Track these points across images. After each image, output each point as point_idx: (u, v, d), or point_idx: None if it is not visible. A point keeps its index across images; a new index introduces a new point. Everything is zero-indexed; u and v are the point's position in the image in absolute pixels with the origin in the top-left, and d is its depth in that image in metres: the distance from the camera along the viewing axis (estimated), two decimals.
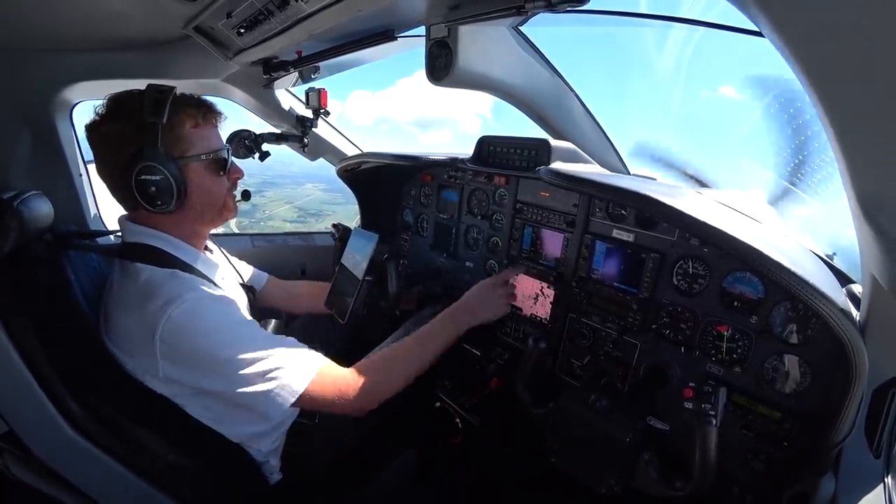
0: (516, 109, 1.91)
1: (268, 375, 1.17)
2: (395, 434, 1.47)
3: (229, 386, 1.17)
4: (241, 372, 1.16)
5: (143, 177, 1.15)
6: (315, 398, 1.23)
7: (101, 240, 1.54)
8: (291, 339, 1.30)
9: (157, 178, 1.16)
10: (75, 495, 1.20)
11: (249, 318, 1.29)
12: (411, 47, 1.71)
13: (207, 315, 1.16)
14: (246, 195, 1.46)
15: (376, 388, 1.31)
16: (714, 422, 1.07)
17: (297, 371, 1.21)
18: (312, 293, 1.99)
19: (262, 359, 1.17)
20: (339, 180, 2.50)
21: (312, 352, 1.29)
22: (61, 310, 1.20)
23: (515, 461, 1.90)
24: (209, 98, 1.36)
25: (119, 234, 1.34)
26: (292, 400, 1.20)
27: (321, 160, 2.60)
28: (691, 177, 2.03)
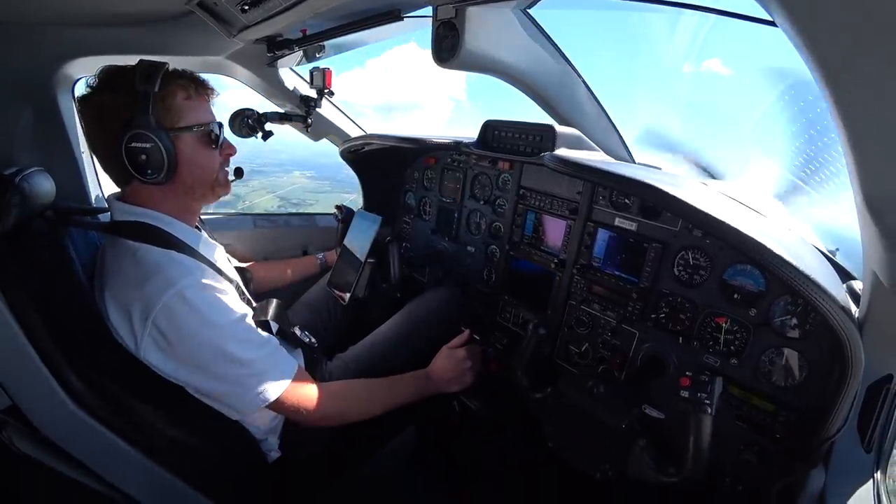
0: (494, 95, 1.88)
1: (243, 380, 1.21)
2: (394, 415, 1.49)
3: (203, 382, 1.22)
4: (219, 371, 1.20)
5: (133, 144, 1.14)
6: (282, 406, 1.28)
7: (103, 217, 1.54)
8: (274, 340, 1.33)
9: (148, 145, 1.15)
10: (79, 469, 1.22)
11: (242, 305, 1.30)
12: (417, 28, 1.68)
13: (200, 305, 1.16)
14: (239, 172, 1.45)
15: (335, 415, 1.39)
16: (709, 410, 1.08)
17: (272, 380, 1.25)
18: (265, 276, 2.01)
19: (242, 361, 1.21)
20: (328, 168, 2.51)
21: (290, 359, 1.33)
22: (63, 286, 1.20)
23: (513, 444, 1.93)
24: (208, 76, 1.35)
25: None
26: (262, 405, 1.25)
27: (324, 141, 2.58)
28: (701, 167, 2.00)
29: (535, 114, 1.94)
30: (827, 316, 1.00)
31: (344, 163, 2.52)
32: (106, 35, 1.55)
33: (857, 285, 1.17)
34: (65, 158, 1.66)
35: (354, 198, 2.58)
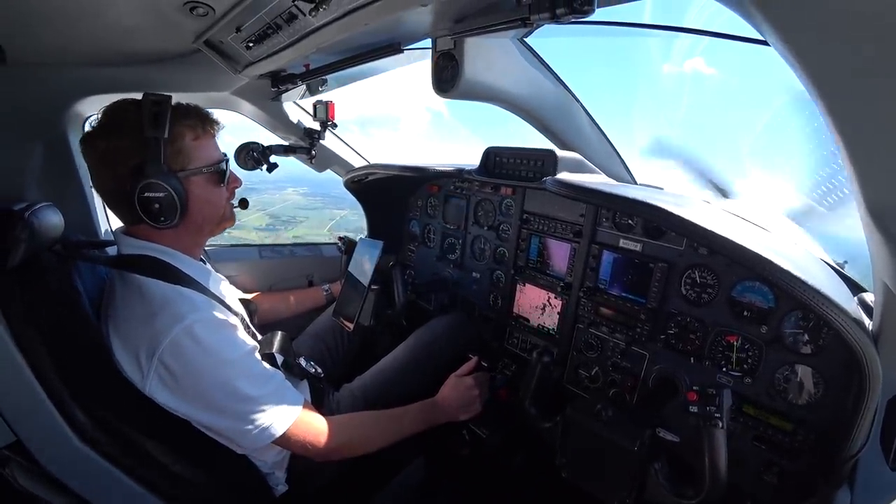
0: (477, 106, 1.89)
1: (250, 416, 1.20)
2: (402, 445, 1.46)
3: (209, 418, 1.20)
4: (226, 407, 1.18)
5: (146, 194, 1.13)
6: (289, 442, 1.26)
7: (110, 250, 1.54)
8: (280, 374, 1.31)
9: (161, 194, 1.14)
10: None
11: (248, 340, 1.29)
12: (417, 59, 1.73)
13: (208, 341, 1.15)
14: (244, 203, 1.47)
15: (342, 449, 1.35)
16: (720, 424, 1.05)
17: (278, 416, 1.23)
18: (270, 307, 2.00)
19: (249, 398, 1.19)
20: (323, 184, 2.52)
21: (296, 394, 1.31)
22: (70, 320, 1.20)
23: (525, 472, 1.88)
24: (214, 110, 1.36)
25: None
26: (268, 441, 1.23)
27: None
28: (711, 183, 1.99)
29: (519, 126, 1.96)
30: (840, 330, 0.99)
31: (339, 179, 2.55)
32: (115, 74, 1.60)
33: (869, 297, 1.15)
34: (74, 193, 1.69)
35: (346, 213, 2.59)
